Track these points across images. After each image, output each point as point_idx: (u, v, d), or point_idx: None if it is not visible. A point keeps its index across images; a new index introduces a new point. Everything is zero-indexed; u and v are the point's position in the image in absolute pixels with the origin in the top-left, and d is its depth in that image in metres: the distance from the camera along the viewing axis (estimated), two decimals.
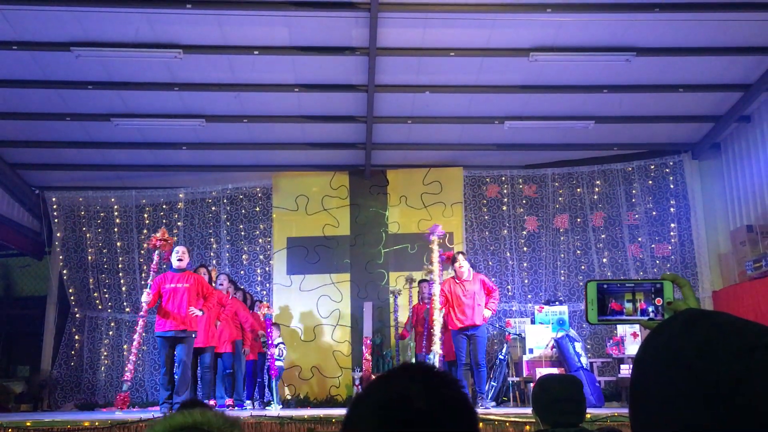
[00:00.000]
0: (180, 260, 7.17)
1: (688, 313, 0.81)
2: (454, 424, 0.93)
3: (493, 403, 8.04)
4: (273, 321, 8.76)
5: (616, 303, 1.25)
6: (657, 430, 0.76)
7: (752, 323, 0.76)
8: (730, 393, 0.69)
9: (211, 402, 7.80)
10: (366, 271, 10.20)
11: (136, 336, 7.36)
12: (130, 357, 7.38)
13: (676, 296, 1.23)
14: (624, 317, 1.25)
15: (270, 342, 8.27)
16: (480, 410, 6.81)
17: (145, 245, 7.51)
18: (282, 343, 8.61)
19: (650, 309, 1.23)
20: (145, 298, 7.09)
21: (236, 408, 8.04)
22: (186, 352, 7.09)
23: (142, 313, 7.28)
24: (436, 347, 7.40)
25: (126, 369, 7.31)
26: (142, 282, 10.47)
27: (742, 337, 0.73)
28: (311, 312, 10.15)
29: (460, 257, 7.82)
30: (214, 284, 8.11)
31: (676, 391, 0.73)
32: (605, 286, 1.25)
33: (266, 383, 8.66)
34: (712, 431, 0.70)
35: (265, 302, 8.81)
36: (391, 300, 9.83)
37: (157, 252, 7.36)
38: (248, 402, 8.53)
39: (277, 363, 8.37)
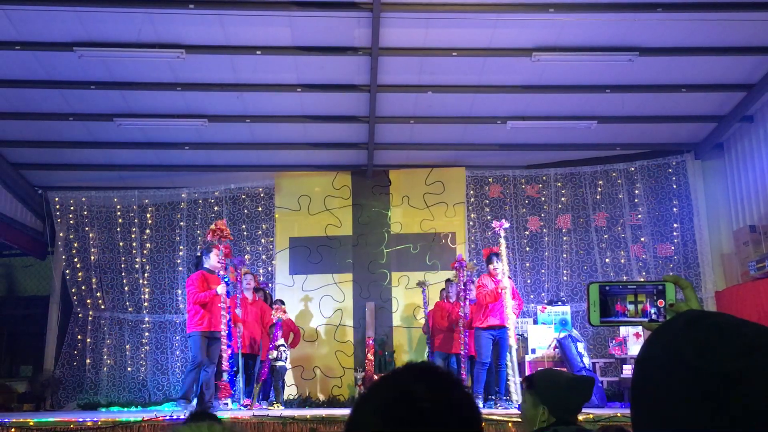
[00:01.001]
0: (219, 262, 7.28)
1: (689, 313, 0.82)
2: (459, 424, 0.93)
3: (512, 403, 7.96)
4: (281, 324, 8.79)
5: (618, 305, 1.24)
6: (658, 429, 0.76)
7: (751, 323, 0.76)
8: (730, 392, 0.70)
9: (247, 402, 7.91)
10: (368, 271, 10.20)
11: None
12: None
13: (678, 297, 1.23)
14: (626, 319, 1.25)
15: (272, 345, 8.30)
16: (483, 410, 6.80)
17: (209, 238, 7.54)
18: (283, 344, 8.64)
19: (652, 311, 1.23)
20: (222, 289, 7.15)
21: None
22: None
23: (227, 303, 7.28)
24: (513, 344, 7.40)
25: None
26: (144, 282, 10.50)
27: (742, 337, 0.74)
28: (314, 312, 10.16)
29: (495, 258, 7.80)
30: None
31: (676, 391, 0.74)
32: (607, 288, 1.25)
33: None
34: (712, 430, 0.70)
35: (282, 306, 8.83)
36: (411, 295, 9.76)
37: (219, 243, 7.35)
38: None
39: (279, 363, 8.41)
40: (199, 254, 7.76)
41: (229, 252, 7.58)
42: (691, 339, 0.76)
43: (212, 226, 7.49)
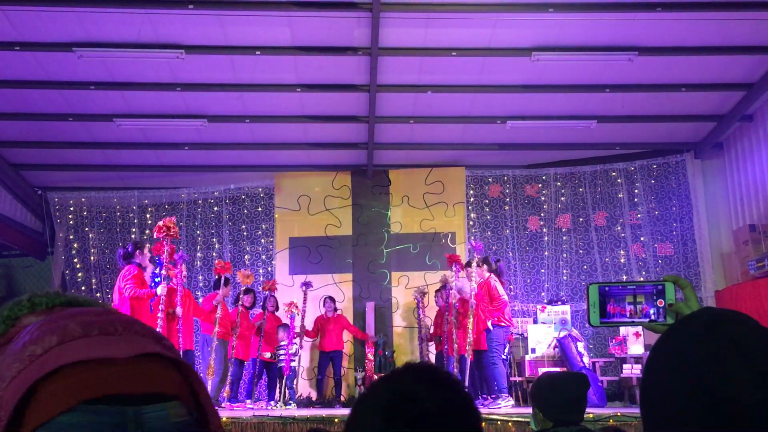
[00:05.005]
0: (159, 263, 6.94)
1: (707, 316, 0.76)
2: (459, 424, 0.93)
3: (502, 402, 7.92)
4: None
5: (618, 305, 1.24)
6: None
7: None
8: (745, 422, 0.66)
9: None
10: (368, 271, 10.20)
11: None
12: None
13: (678, 297, 1.23)
14: (626, 319, 1.25)
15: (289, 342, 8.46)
16: (483, 410, 6.80)
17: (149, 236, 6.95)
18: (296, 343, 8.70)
19: (652, 311, 1.23)
20: (163, 290, 6.61)
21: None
22: None
23: None
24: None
25: None
26: None
27: (765, 362, 0.67)
28: (313, 312, 10.13)
29: (472, 264, 7.79)
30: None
31: (689, 407, 0.71)
32: (607, 288, 1.25)
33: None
34: None
35: (293, 302, 8.81)
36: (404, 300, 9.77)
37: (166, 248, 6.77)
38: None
39: (292, 363, 8.53)
40: (125, 247, 7.01)
41: (173, 252, 6.96)
42: (706, 350, 0.71)
43: (159, 223, 6.84)
